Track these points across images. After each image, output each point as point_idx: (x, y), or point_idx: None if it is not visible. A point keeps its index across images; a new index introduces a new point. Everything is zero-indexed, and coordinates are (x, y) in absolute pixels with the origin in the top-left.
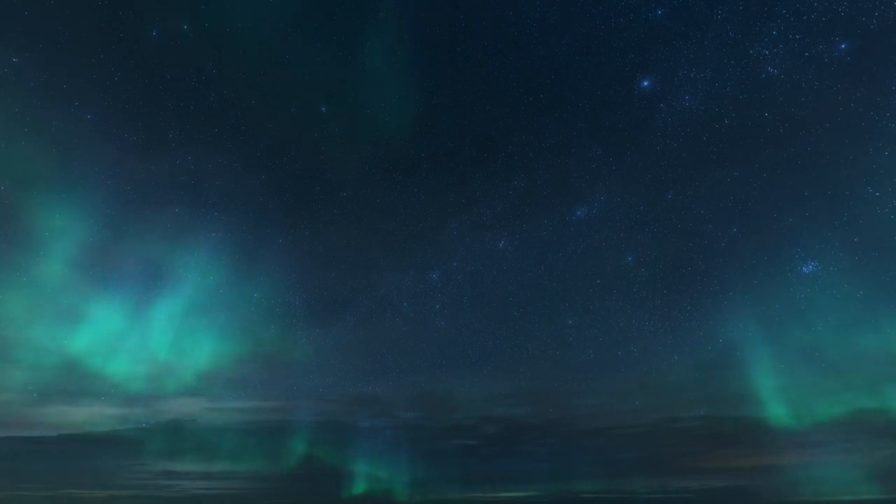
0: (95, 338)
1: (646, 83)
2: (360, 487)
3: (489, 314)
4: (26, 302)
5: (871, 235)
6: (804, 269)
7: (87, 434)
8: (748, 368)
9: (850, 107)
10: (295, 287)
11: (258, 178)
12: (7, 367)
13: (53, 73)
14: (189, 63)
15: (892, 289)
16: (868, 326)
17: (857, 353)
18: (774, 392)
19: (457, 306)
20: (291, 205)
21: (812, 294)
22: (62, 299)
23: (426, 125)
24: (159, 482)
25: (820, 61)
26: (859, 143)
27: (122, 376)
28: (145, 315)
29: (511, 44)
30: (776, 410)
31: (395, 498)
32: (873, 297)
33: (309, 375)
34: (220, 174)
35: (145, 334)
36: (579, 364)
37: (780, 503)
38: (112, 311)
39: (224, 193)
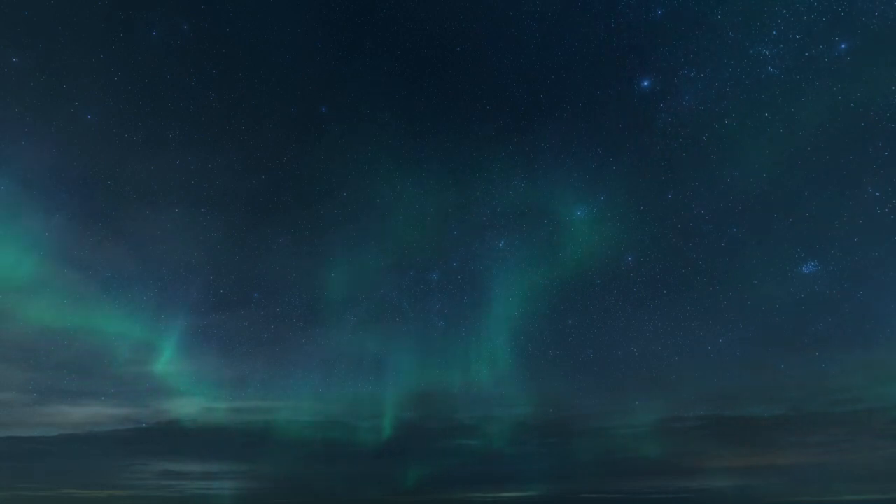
0: (95, 337)
1: (646, 83)
2: (359, 488)
3: (489, 314)
4: (26, 301)
5: (871, 235)
6: (804, 269)
7: (87, 434)
8: (748, 368)
9: (850, 107)
10: (295, 287)
11: (258, 178)
12: (7, 367)
13: (53, 73)
14: (189, 63)
15: (892, 289)
16: (868, 326)
17: (857, 352)
18: (774, 392)
19: (457, 306)
20: (291, 205)
21: (812, 294)
22: (61, 299)
23: (426, 125)
24: (159, 482)
25: (820, 61)
26: (859, 143)
27: (121, 375)
28: (145, 315)
29: (511, 44)
30: (776, 410)
31: (395, 498)
32: (873, 297)
33: (309, 375)
34: (220, 174)
35: (145, 334)
36: (579, 364)
37: (780, 503)
38: (111, 311)
39: (224, 193)
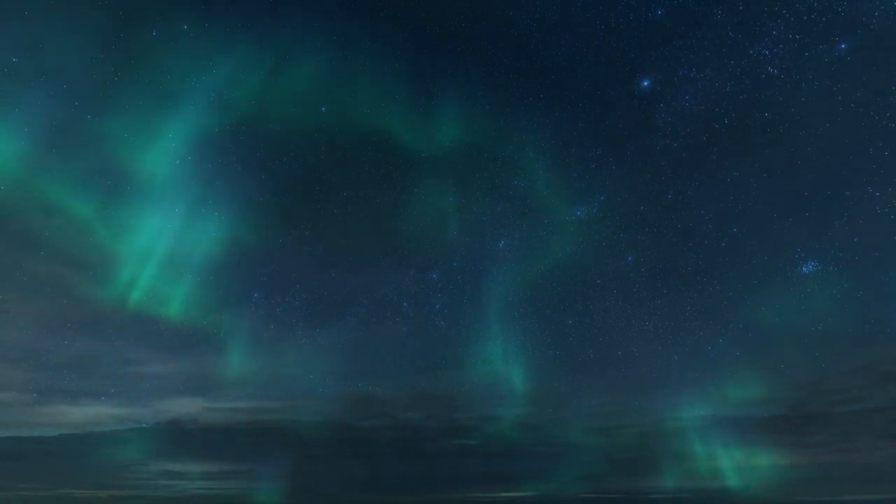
0: (95, 337)
1: (646, 83)
2: (359, 487)
3: (489, 314)
4: (27, 302)
5: (871, 235)
6: (804, 269)
7: (87, 434)
8: (748, 368)
9: (850, 107)
10: (295, 287)
11: (258, 178)
12: (7, 367)
13: (53, 73)
14: (189, 63)
15: (892, 288)
16: (868, 326)
17: (858, 352)
18: (774, 392)
19: (457, 306)
20: (291, 205)
21: (812, 294)
22: (62, 299)
23: (426, 125)
24: (159, 482)
25: (820, 61)
26: (859, 143)
27: (121, 375)
28: (146, 315)
29: (511, 44)
30: (776, 410)
31: (396, 497)
32: (873, 297)
33: (309, 375)
34: (220, 174)
35: (146, 334)
36: (579, 364)
37: (781, 503)
38: (112, 311)
39: (224, 193)
